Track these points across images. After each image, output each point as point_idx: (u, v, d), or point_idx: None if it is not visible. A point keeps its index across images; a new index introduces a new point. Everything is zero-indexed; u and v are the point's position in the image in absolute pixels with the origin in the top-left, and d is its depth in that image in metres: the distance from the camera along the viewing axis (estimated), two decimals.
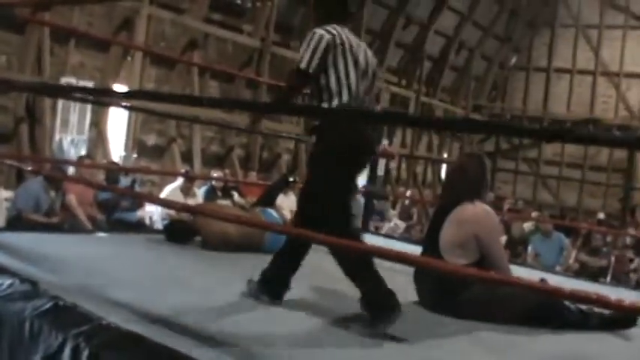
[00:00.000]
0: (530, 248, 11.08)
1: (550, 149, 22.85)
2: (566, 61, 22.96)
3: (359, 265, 3.50)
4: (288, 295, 3.78)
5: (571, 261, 11.18)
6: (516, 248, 11.98)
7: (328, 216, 3.62)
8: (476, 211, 4.17)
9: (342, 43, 3.69)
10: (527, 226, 12.83)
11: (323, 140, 3.79)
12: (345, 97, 3.69)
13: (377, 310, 3.39)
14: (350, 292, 3.58)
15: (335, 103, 3.70)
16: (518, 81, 24.12)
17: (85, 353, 2.60)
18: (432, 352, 3.24)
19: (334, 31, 3.70)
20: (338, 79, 3.69)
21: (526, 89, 23.74)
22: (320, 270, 4.16)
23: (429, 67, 21.09)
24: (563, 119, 22.38)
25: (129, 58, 12.29)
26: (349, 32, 3.80)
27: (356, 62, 3.73)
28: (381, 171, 17.56)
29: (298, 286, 3.85)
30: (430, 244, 4.22)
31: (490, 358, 3.29)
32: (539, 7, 23.08)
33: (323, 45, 3.67)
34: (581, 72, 22.76)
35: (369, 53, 3.90)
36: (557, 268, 10.08)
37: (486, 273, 2.92)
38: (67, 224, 7.74)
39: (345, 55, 3.69)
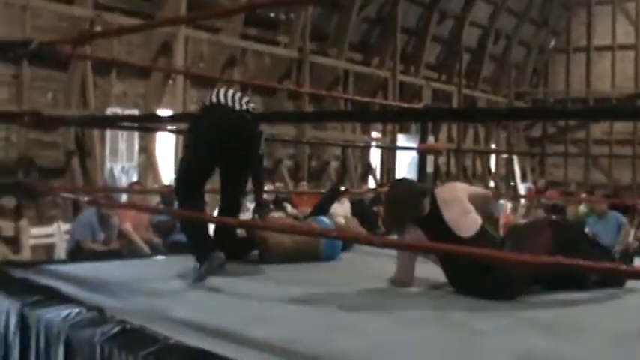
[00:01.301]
0: (587, 230, 10.93)
1: (598, 128, 22.53)
2: (606, 38, 22.66)
3: (190, 228, 4.62)
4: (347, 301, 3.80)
5: (630, 239, 11.00)
6: None
7: (177, 185, 4.83)
8: (444, 189, 4.62)
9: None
10: (582, 209, 12.67)
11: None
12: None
13: (202, 262, 4.33)
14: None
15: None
16: (558, 64, 23.88)
17: None
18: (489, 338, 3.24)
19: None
20: None
21: (568, 71, 23.48)
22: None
23: (468, 60, 20.99)
24: (608, 96, 22.05)
25: (170, 82, 12.47)
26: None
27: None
28: (430, 167, 17.52)
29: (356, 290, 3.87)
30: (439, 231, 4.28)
31: (551, 338, 3.27)
32: None
33: None
34: (622, 47, 22.44)
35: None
36: (616, 248, 9.93)
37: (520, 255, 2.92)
38: (126, 250, 7.86)
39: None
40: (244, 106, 4.72)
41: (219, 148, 4.67)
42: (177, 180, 4.95)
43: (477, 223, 4.31)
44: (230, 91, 4.82)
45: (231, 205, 5.05)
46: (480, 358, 2.94)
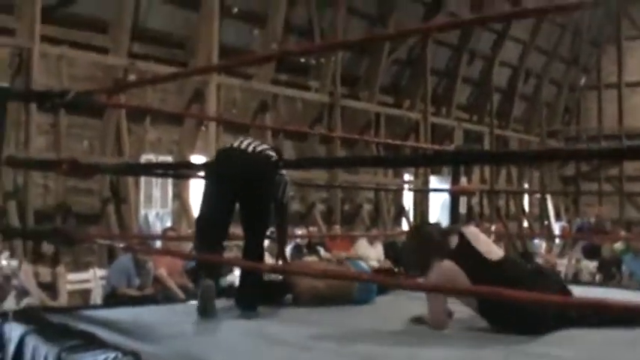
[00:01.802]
0: (624, 268, 10.84)
1: (631, 165, 22.27)
2: (637, 74, 22.52)
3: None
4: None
5: None
6: (610, 270, 11.71)
7: (195, 228, 5.05)
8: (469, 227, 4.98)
9: None
10: (618, 246, 12.54)
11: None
12: None
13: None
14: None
15: None
16: (590, 101, 23.78)
17: None
18: None
19: None
20: None
21: (599, 108, 23.35)
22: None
23: (499, 100, 20.96)
24: None
25: (203, 129, 12.61)
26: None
27: None
28: (463, 208, 17.45)
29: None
30: None
31: None
32: (603, 24, 22.81)
33: None
34: None
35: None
36: None
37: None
38: (160, 295, 7.91)
39: None
40: (256, 150, 4.87)
41: (225, 184, 4.82)
42: (195, 224, 5.12)
43: (502, 251, 4.75)
44: (246, 141, 4.97)
45: (250, 249, 5.02)
46: None
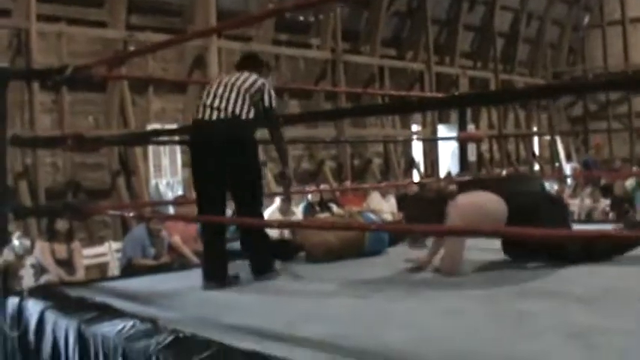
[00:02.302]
0: (637, 205, 10.85)
1: None
2: None
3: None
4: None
5: None
6: (622, 207, 11.70)
7: None
8: None
9: None
10: (630, 183, 12.51)
11: None
12: None
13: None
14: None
15: None
16: (594, 39, 23.56)
17: None
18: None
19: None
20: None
21: (604, 46, 23.14)
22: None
23: (502, 44, 20.83)
24: None
25: None
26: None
27: None
28: (473, 156, 17.44)
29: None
30: None
31: None
32: None
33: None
34: None
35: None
36: None
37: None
38: (176, 263, 7.95)
39: None
40: (229, 107, 4.51)
41: (200, 164, 4.63)
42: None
43: None
44: (219, 90, 4.59)
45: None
46: (531, 340, 2.94)
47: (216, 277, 4.48)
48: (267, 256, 4.78)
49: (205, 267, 4.58)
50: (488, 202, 4.56)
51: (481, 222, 4.39)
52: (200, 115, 4.57)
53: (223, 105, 4.51)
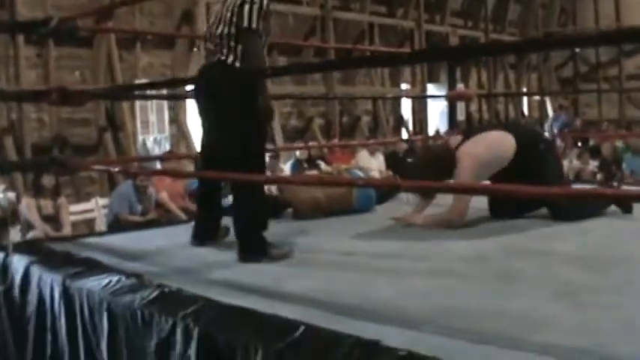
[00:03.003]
0: (624, 166, 10.87)
1: (631, 63, 22.04)
2: None
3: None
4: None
5: None
6: (611, 169, 11.72)
7: None
8: None
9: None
10: (618, 145, 12.53)
11: None
12: None
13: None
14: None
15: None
16: (586, 0, 23.37)
17: (196, 332, 2.70)
18: None
19: None
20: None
21: (596, 6, 22.96)
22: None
23: (493, 4, 20.68)
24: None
25: (195, 50, 12.45)
26: None
27: None
28: (462, 115, 17.43)
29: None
30: None
31: None
32: None
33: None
34: None
35: None
36: None
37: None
38: (163, 219, 7.93)
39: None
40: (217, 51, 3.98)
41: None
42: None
43: None
44: (213, 28, 4.04)
45: (237, 201, 4.09)
46: (519, 298, 2.95)
47: (207, 235, 4.42)
48: (256, 235, 3.99)
49: (197, 224, 4.51)
50: (497, 139, 4.70)
51: (493, 159, 4.58)
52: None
53: (212, 47, 4.02)
